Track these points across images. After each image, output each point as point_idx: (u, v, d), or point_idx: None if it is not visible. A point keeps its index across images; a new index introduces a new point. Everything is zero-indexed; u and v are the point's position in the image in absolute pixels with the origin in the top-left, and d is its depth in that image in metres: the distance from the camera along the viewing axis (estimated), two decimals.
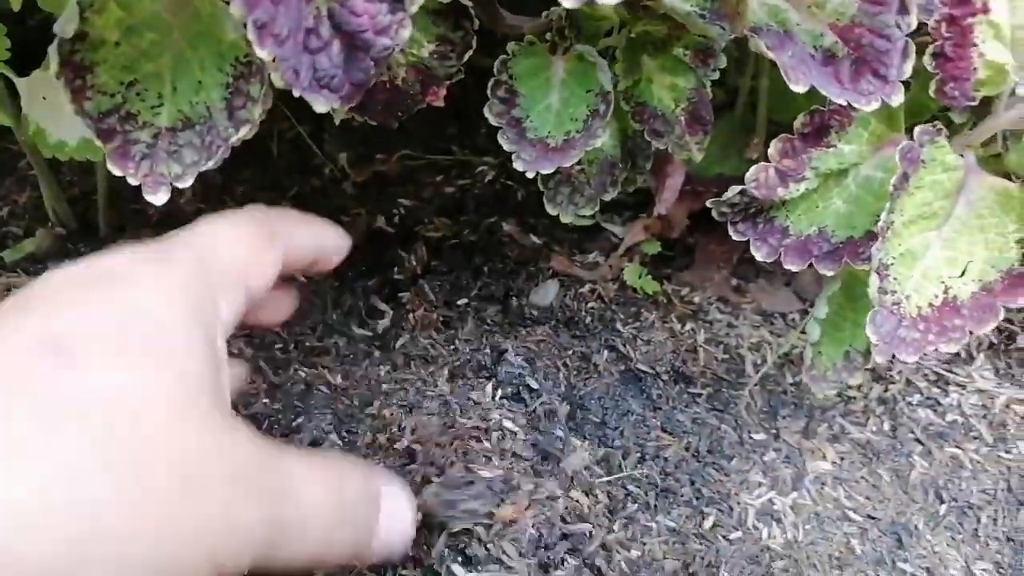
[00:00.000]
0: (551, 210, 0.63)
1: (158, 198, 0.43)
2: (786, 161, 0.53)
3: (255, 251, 0.38)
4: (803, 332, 0.65)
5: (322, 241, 0.45)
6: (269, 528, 0.31)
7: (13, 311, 0.31)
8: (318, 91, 0.38)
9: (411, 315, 0.71)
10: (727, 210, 0.55)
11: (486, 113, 0.54)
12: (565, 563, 0.55)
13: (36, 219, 0.78)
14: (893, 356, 0.50)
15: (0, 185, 0.81)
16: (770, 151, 0.53)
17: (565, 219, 0.63)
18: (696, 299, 0.75)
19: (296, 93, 0.38)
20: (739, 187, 0.53)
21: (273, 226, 0.40)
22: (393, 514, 0.40)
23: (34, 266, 0.74)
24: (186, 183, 0.44)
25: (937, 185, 0.52)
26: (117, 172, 0.43)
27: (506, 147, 0.55)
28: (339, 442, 0.60)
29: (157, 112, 0.43)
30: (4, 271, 0.73)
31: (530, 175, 0.55)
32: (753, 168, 0.53)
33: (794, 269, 0.56)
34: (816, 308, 0.61)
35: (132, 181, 0.43)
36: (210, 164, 0.43)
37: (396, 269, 0.74)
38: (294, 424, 0.61)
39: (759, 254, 0.55)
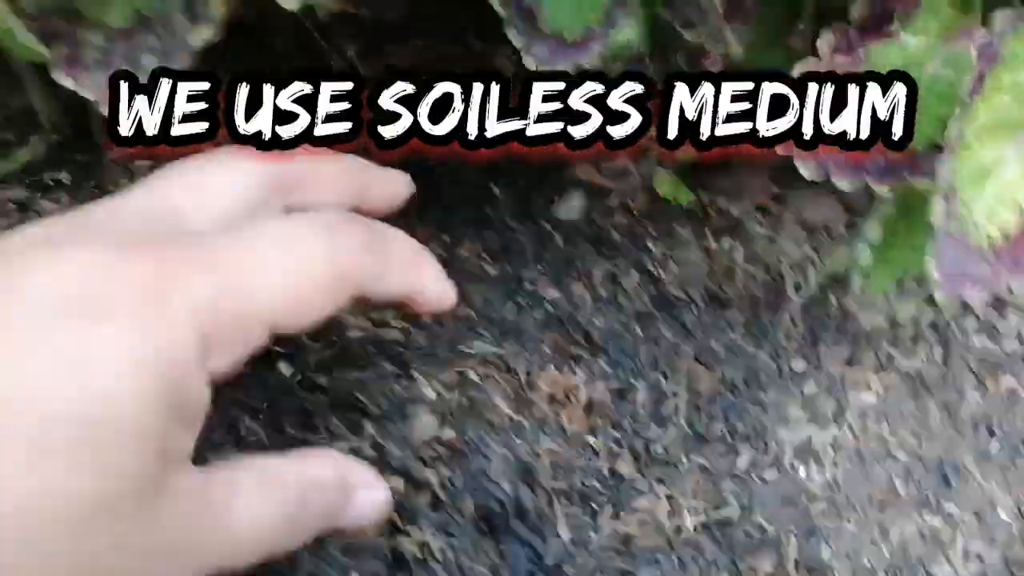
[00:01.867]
0: None
1: None
2: (839, 58, 0.46)
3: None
4: (850, 250, 0.59)
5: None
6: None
7: None
8: None
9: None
10: None
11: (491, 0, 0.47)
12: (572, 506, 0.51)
13: (31, 125, 0.72)
14: (958, 295, 0.45)
15: None
16: (819, 45, 0.46)
17: None
18: (734, 211, 0.68)
19: None
20: None
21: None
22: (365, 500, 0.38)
23: (30, 177, 0.69)
24: None
25: (1019, 88, 0.45)
26: (68, 84, 0.37)
27: (515, 42, 0.48)
28: None
29: (107, 9, 0.37)
30: None
31: None
32: (798, 67, 0.46)
33: (846, 188, 0.49)
34: (866, 229, 0.54)
35: (87, 94, 0.37)
36: None
37: None
38: None
39: (806, 170, 0.48)
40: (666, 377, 0.57)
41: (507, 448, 0.52)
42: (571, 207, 0.65)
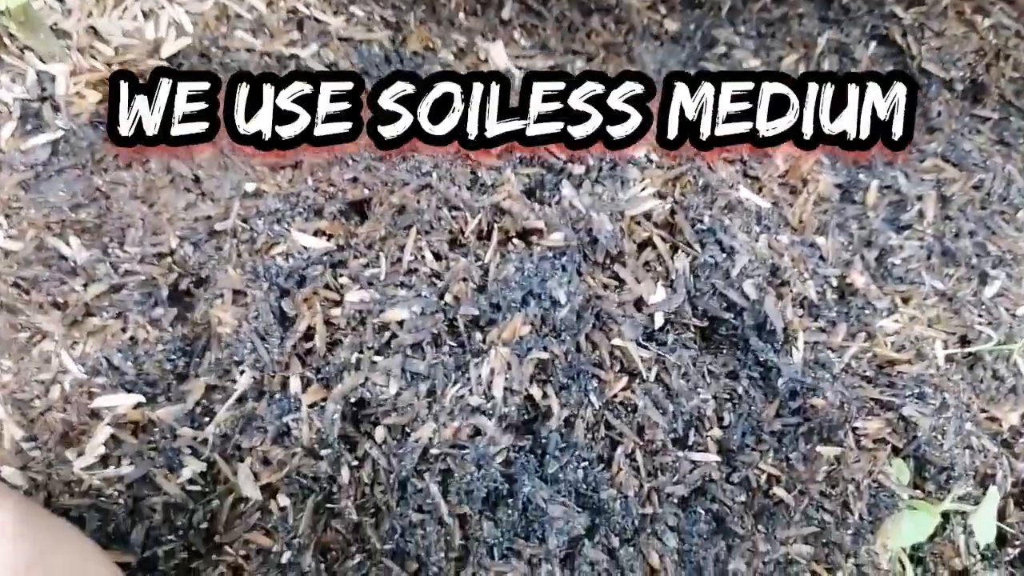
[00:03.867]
0: None
1: None
2: None
3: None
4: None
5: None
6: None
7: None
8: None
9: None
10: None
11: None
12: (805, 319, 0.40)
13: None
14: None
15: None
16: None
17: None
18: None
19: None
20: None
21: None
22: None
23: None
24: None
25: None
26: None
27: None
28: None
29: None
30: None
31: None
32: None
33: None
34: None
35: None
36: None
37: None
38: None
39: None
40: (906, 176, 0.45)
41: (746, 232, 0.41)
42: None
